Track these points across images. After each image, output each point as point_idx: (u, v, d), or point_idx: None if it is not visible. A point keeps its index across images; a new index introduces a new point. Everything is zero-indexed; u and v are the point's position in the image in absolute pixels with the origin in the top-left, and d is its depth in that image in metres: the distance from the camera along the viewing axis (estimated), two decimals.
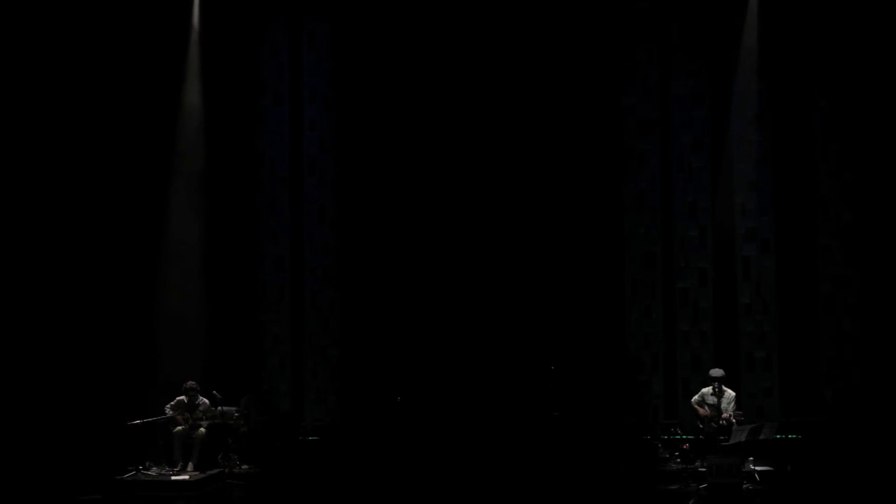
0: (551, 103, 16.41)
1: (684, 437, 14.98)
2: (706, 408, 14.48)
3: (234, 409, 14.80)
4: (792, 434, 14.60)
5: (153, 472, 13.89)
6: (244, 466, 14.58)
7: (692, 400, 14.78)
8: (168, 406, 14.37)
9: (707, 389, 14.56)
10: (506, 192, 16.43)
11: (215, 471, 14.15)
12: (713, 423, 14.26)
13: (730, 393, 14.53)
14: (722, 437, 13.99)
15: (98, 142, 15.94)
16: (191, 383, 14.42)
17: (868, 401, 15.57)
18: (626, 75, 16.50)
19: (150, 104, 16.14)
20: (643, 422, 15.90)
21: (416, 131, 16.62)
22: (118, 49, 15.94)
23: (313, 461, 15.13)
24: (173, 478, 13.70)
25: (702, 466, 13.85)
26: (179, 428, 14.23)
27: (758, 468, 13.98)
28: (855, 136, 15.99)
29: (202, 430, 14.22)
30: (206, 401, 14.50)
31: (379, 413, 15.84)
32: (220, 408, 14.55)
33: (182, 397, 14.40)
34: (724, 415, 14.29)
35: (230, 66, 16.60)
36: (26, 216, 15.62)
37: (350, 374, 16.57)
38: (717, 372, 14.55)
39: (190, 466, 14.02)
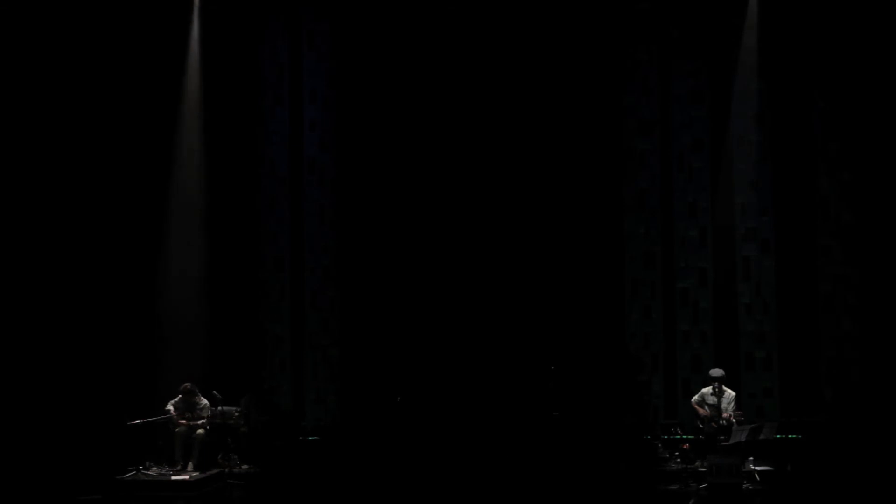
0: (551, 103, 16.41)
1: (684, 437, 14.99)
2: (706, 408, 14.48)
3: (234, 409, 14.81)
4: (792, 434, 14.60)
5: (153, 472, 13.90)
6: (244, 466, 14.58)
7: (692, 400, 14.79)
8: (171, 403, 14.39)
9: (707, 389, 14.57)
10: (506, 192, 16.42)
11: (215, 471, 14.18)
12: (713, 423, 14.26)
13: (730, 393, 14.54)
14: (722, 437, 13.99)
15: (98, 142, 15.94)
16: (187, 385, 14.43)
17: (868, 401, 15.57)
18: (626, 75, 16.50)
19: (150, 104, 16.14)
20: (643, 422, 15.90)
21: (417, 131, 16.62)
22: (118, 50, 15.95)
23: (313, 461, 15.13)
24: (173, 478, 13.71)
25: (702, 466, 13.85)
26: (180, 428, 14.24)
27: (758, 468, 13.99)
28: (855, 136, 15.99)
29: (202, 430, 14.23)
30: (206, 401, 14.52)
31: (379, 413, 15.84)
32: (220, 408, 14.57)
33: (180, 397, 14.42)
34: (724, 415, 14.29)
35: (230, 66, 16.60)
36: (27, 219, 15.63)
37: (350, 374, 16.57)
38: (717, 372, 14.55)
39: (190, 466, 14.03)
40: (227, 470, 14.31)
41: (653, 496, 13.52)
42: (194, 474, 13.85)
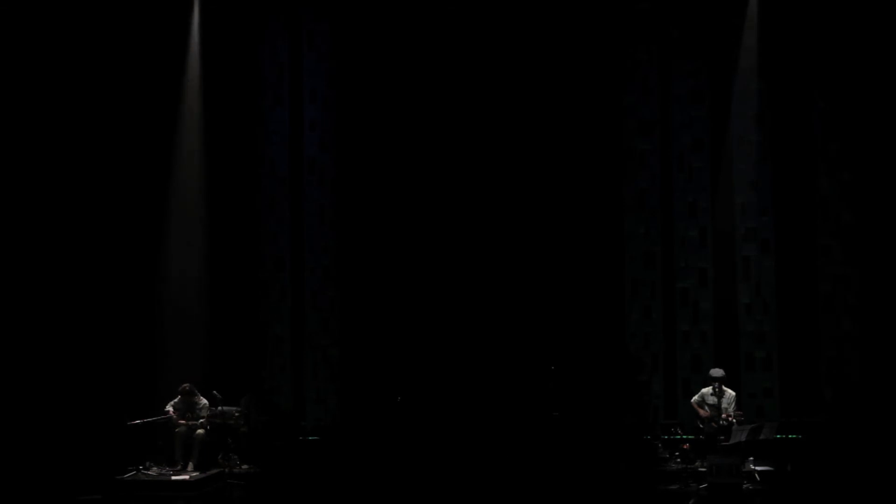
0: (552, 103, 16.41)
1: (684, 437, 15.00)
2: (706, 408, 14.47)
3: (234, 409, 14.81)
4: (792, 434, 14.63)
5: (153, 472, 13.90)
6: (244, 466, 14.59)
7: (692, 400, 14.78)
8: (170, 404, 14.40)
9: (707, 389, 14.56)
10: (506, 192, 16.42)
11: (215, 471, 14.18)
12: (713, 423, 14.26)
13: (730, 393, 14.53)
14: (722, 437, 13.99)
15: (98, 142, 15.94)
16: (185, 386, 14.43)
17: (868, 401, 15.57)
18: (626, 75, 16.50)
19: (151, 104, 16.15)
20: (643, 422, 15.90)
21: (417, 131, 16.62)
22: (118, 49, 15.95)
23: (313, 461, 15.14)
24: (173, 478, 13.71)
25: (702, 466, 13.85)
26: (180, 428, 14.24)
27: (758, 468, 13.99)
28: (855, 136, 16.00)
29: (202, 430, 14.23)
30: (206, 401, 14.52)
31: (379, 413, 15.84)
32: (220, 408, 14.57)
33: (179, 398, 14.42)
34: (724, 415, 14.29)
35: (230, 67, 16.60)
36: (27, 219, 15.63)
37: (350, 374, 16.57)
38: (717, 372, 14.55)
39: (190, 466, 14.03)
40: (227, 470, 14.31)
41: (653, 496, 13.52)
42: (194, 474, 13.84)
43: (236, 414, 14.73)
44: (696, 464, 14.16)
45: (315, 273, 16.73)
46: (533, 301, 16.27)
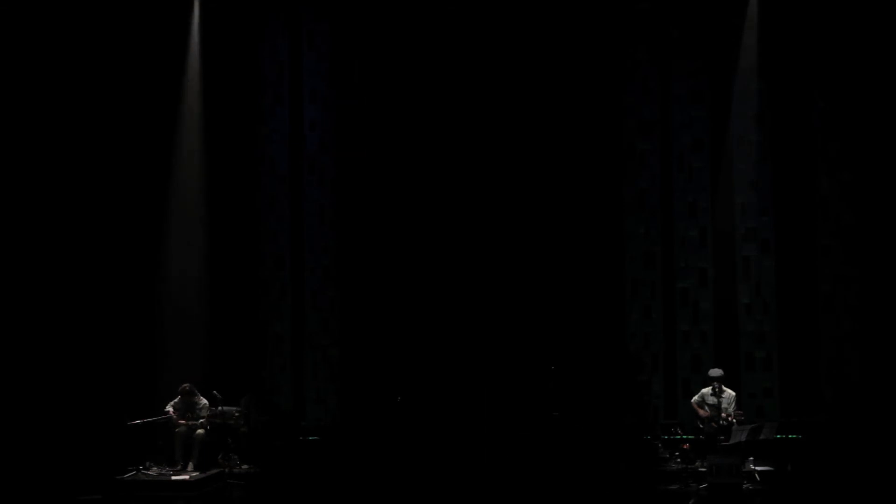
0: (552, 103, 16.41)
1: (684, 437, 15.01)
2: (706, 408, 14.48)
3: (234, 409, 14.81)
4: (792, 434, 14.65)
5: (153, 472, 13.90)
6: (244, 466, 14.59)
7: (692, 400, 14.79)
8: (170, 404, 14.40)
9: (707, 390, 14.57)
10: (506, 192, 16.42)
11: (215, 471, 14.18)
12: (713, 423, 14.26)
13: (730, 393, 14.54)
14: (722, 437, 14.00)
15: (99, 142, 15.94)
16: (185, 386, 14.43)
17: (868, 401, 15.57)
18: (626, 75, 16.50)
19: (151, 104, 16.14)
20: (643, 422, 15.90)
21: (417, 131, 16.62)
22: (118, 49, 15.95)
23: (313, 461, 15.14)
24: (173, 478, 13.71)
25: (702, 466, 13.86)
26: (180, 428, 14.24)
27: (758, 468, 13.99)
28: (855, 136, 16.00)
29: (202, 430, 14.23)
30: (205, 401, 14.52)
31: (379, 413, 15.84)
32: (220, 408, 14.57)
33: (179, 398, 14.42)
34: (724, 415, 14.29)
35: (230, 66, 16.60)
36: (28, 217, 15.64)
37: (350, 374, 16.57)
38: (716, 372, 14.56)
39: (190, 466, 14.03)
40: (227, 470, 14.31)
41: (653, 496, 13.53)
42: (194, 474, 13.85)
43: (236, 414, 14.73)
44: (696, 464, 14.16)
45: (315, 273, 16.73)
46: (533, 301, 16.27)
